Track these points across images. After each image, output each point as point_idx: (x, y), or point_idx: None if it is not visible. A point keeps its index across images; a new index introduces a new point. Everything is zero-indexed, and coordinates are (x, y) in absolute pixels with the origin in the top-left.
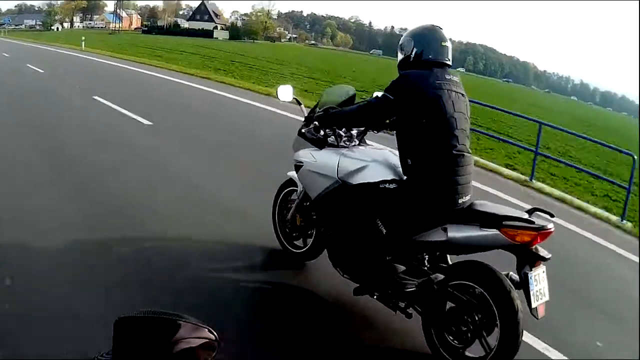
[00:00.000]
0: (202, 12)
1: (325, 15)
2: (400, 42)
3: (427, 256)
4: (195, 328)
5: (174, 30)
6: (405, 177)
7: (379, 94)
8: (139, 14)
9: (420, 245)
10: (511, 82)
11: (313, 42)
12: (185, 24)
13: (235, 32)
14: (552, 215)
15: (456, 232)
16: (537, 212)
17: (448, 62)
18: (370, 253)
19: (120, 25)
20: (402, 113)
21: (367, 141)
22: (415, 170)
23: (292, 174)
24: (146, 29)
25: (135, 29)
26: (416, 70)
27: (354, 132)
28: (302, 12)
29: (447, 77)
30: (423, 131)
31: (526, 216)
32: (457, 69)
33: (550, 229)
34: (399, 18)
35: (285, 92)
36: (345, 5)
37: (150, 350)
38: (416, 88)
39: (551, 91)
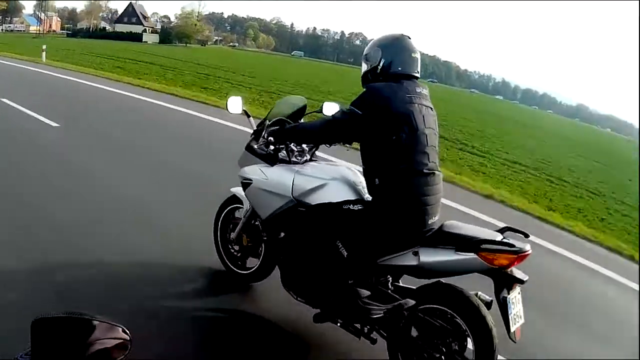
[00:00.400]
0: (129, 14)
1: (246, 17)
2: (365, 52)
3: (390, 279)
4: (110, 328)
5: (100, 33)
6: (369, 197)
7: (343, 107)
8: (58, 16)
9: (386, 270)
10: (476, 92)
11: (235, 44)
12: (110, 27)
13: (166, 36)
14: (526, 235)
15: (429, 256)
16: (510, 232)
17: (417, 75)
18: (330, 277)
19: (41, 28)
20: (370, 129)
21: (317, 153)
22: (384, 190)
23: (236, 190)
24: (70, 32)
25: (53, 31)
26: (385, 83)
27: (305, 146)
28: (222, 13)
29: (418, 90)
30: (393, 148)
31: (500, 237)
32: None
33: (528, 251)
34: (320, 19)
35: (235, 104)
36: (266, 6)
37: (68, 350)
38: (386, 103)
39: (476, 91)
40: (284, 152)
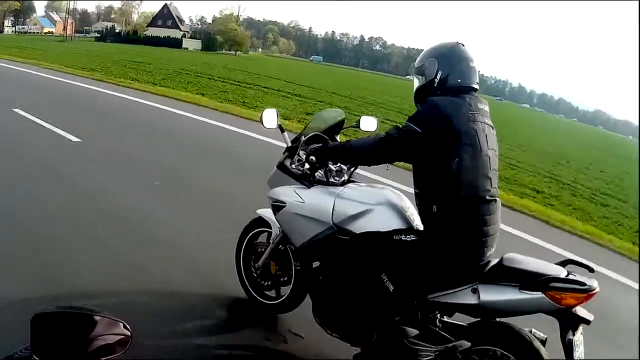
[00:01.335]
0: (165, 17)
1: (263, 20)
2: (417, 65)
3: (439, 315)
4: (111, 323)
5: (134, 38)
6: (418, 225)
7: (399, 125)
8: (71, 17)
9: (437, 306)
10: (502, 99)
11: (259, 48)
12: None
13: (210, 42)
14: (591, 270)
15: (491, 295)
16: (573, 265)
17: (477, 87)
18: (374, 313)
19: (55, 30)
20: (428, 149)
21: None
22: (442, 219)
23: (263, 212)
24: (99, 35)
25: (76, 33)
26: (446, 98)
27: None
28: (239, 16)
29: (480, 106)
30: (453, 172)
31: (565, 273)
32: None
33: (596, 289)
34: (339, 23)
35: (270, 118)
36: (283, 8)
37: (68, 346)
38: (448, 120)
39: (503, 99)
40: (321, 171)
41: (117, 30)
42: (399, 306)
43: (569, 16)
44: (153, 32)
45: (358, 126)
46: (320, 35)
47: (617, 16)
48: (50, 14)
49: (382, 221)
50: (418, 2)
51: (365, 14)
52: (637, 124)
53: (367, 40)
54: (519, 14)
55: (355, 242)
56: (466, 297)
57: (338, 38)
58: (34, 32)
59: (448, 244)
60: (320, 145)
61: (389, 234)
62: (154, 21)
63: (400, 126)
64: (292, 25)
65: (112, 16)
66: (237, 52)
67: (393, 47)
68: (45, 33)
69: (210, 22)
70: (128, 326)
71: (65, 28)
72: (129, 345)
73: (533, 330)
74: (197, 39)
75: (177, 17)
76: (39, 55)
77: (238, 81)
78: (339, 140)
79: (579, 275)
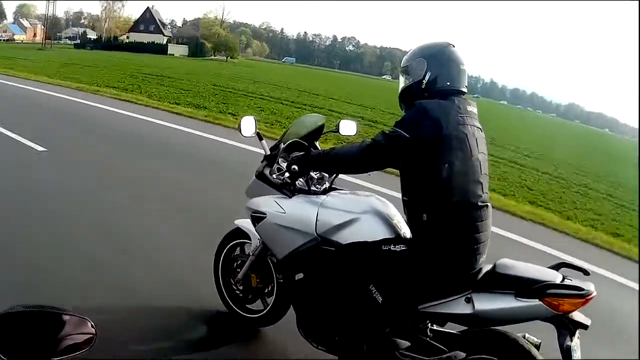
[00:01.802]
0: (147, 21)
1: (234, 22)
2: (404, 64)
3: (429, 325)
4: (80, 321)
5: (115, 44)
6: (406, 233)
7: (385, 130)
8: (43, 24)
9: (429, 316)
10: (479, 97)
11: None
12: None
13: (198, 48)
14: (586, 273)
15: (486, 304)
16: (566, 267)
17: (465, 90)
18: (362, 325)
19: (25, 37)
20: (417, 155)
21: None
22: (433, 227)
23: (241, 223)
24: (78, 42)
25: (53, 40)
26: (435, 101)
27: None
28: (223, 20)
29: (469, 108)
30: (444, 178)
31: (561, 278)
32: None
33: (593, 293)
34: (311, 24)
35: (248, 125)
36: (254, 9)
37: (36, 345)
38: (437, 124)
39: (480, 96)
40: (302, 179)
41: (89, 37)
42: (389, 317)
43: (537, 11)
44: (134, 37)
45: (337, 130)
46: (293, 36)
47: (593, 11)
48: (21, 20)
49: (369, 231)
50: (390, 2)
51: (338, 14)
52: (638, 124)
53: (339, 40)
54: (493, 10)
55: (341, 253)
56: (460, 306)
57: (310, 39)
58: (4, 40)
59: (439, 253)
60: (302, 153)
61: (377, 244)
62: (135, 26)
63: (387, 132)
64: (264, 27)
65: (82, 21)
66: (229, 58)
67: (366, 46)
68: (17, 41)
69: (180, 25)
70: (93, 324)
71: (35, 35)
72: (94, 343)
73: (527, 335)
74: (182, 44)
75: (160, 21)
76: (32, 68)
77: (264, 95)
78: (318, 145)
79: (574, 280)
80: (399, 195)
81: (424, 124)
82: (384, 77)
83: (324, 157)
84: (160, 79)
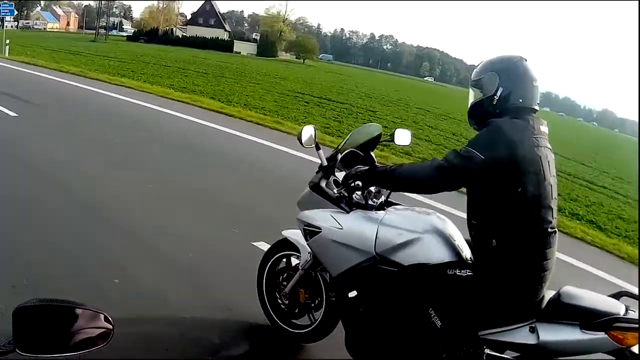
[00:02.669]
0: (207, 14)
1: (253, 14)
2: (475, 77)
3: (486, 350)
4: (93, 315)
5: (174, 38)
6: (467, 255)
7: (457, 149)
8: (76, 12)
9: (491, 344)
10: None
11: None
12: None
13: (267, 47)
14: None
15: (550, 335)
16: (626, 297)
17: (537, 108)
18: (418, 349)
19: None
20: (490, 178)
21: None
22: (503, 253)
23: (290, 235)
24: (131, 35)
25: (52, 31)
26: (509, 120)
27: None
28: (242, 12)
29: (542, 128)
30: (516, 203)
31: (624, 309)
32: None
33: None
34: (348, 20)
35: (309, 135)
36: (289, 4)
37: (51, 339)
38: (513, 146)
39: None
40: (358, 192)
41: (124, 27)
42: (447, 342)
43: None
44: (192, 31)
45: (392, 140)
46: (329, 32)
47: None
48: (54, 7)
49: (432, 252)
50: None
51: (375, 11)
52: (638, 122)
53: (377, 38)
54: (525, 12)
55: (402, 274)
56: (523, 336)
57: (347, 36)
58: (40, 29)
59: (507, 280)
60: (365, 168)
61: (441, 267)
62: (194, 19)
63: (460, 151)
64: (300, 21)
65: (114, 10)
66: (306, 60)
67: (404, 45)
68: (52, 29)
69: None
70: (110, 318)
71: (69, 23)
72: (111, 338)
73: None
74: (246, 40)
75: (221, 14)
76: (124, 71)
77: (381, 115)
78: (373, 155)
79: (638, 312)
80: (452, 209)
81: (499, 145)
82: (425, 79)
83: (390, 175)
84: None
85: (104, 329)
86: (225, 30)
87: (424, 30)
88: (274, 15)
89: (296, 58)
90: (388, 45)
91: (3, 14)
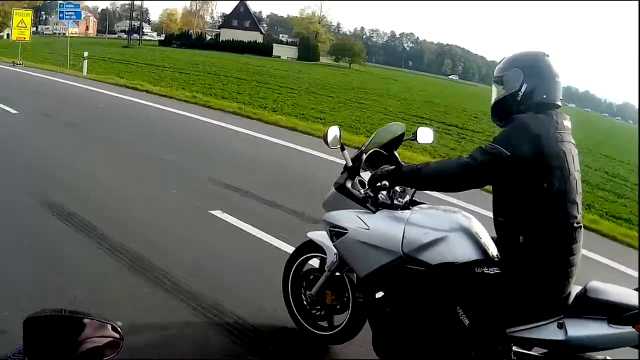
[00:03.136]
0: (241, 16)
1: (288, 16)
2: (498, 74)
3: (514, 347)
4: (101, 325)
5: (211, 42)
6: (494, 253)
7: (482, 146)
8: (94, 16)
9: (517, 340)
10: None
11: None
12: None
13: (309, 50)
14: None
15: (578, 330)
16: None
17: (560, 104)
18: (447, 348)
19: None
20: (515, 174)
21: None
22: (531, 250)
23: (315, 236)
24: (162, 40)
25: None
26: (534, 116)
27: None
28: (260, 12)
29: (565, 123)
30: (543, 199)
31: None
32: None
33: None
34: (368, 18)
35: (334, 136)
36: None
37: (60, 349)
38: (538, 141)
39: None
40: (383, 192)
41: (145, 31)
42: (475, 341)
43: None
44: (226, 34)
45: (415, 139)
46: (350, 31)
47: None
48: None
49: (459, 251)
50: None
51: (395, 9)
52: (638, 118)
53: (397, 36)
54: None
55: (430, 273)
56: (552, 332)
57: (367, 34)
58: (59, 34)
59: (535, 277)
60: (392, 167)
61: (469, 265)
62: (227, 21)
63: (485, 148)
64: (320, 22)
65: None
66: (352, 64)
67: (425, 43)
68: (71, 34)
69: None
70: (119, 329)
71: (88, 28)
72: (121, 348)
73: (608, 358)
74: (285, 43)
75: (256, 16)
76: (206, 87)
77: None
78: (397, 154)
79: None
80: (474, 207)
81: (525, 141)
82: (450, 77)
83: (417, 174)
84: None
85: (113, 339)
86: (261, 32)
87: (445, 27)
88: (309, 17)
89: (334, 61)
90: (409, 43)
91: (67, 16)
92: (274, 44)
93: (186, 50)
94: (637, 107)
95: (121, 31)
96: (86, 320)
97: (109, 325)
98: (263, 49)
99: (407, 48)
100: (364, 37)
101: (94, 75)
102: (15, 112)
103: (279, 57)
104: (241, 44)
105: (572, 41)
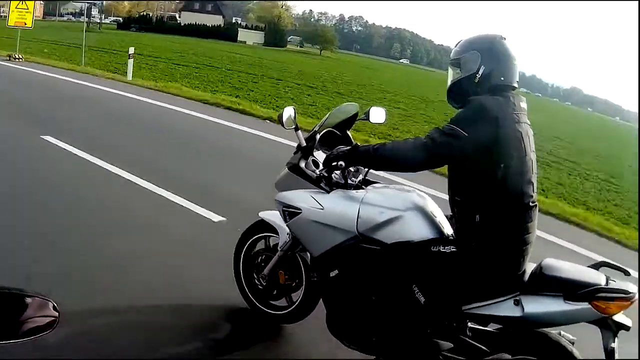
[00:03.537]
0: (203, 0)
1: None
2: (455, 56)
3: (469, 324)
4: (41, 303)
5: (170, 26)
6: (448, 232)
7: (440, 127)
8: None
9: (472, 317)
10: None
11: None
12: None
13: (277, 36)
14: (627, 273)
15: (535, 307)
16: (606, 267)
17: (517, 86)
18: (402, 326)
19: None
20: (473, 154)
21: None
22: (486, 228)
23: (267, 216)
24: (121, 23)
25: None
26: (492, 98)
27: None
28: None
29: (522, 105)
30: (501, 178)
31: (605, 279)
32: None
33: (636, 295)
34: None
35: (288, 115)
36: None
37: (1, 325)
38: (495, 122)
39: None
40: (337, 172)
41: (93, 14)
42: (431, 318)
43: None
44: (187, 18)
45: (367, 118)
46: (298, 14)
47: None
48: None
49: (414, 230)
50: None
51: None
52: (638, 115)
53: (347, 19)
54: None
55: (386, 252)
56: (508, 309)
57: (316, 17)
58: (3, 16)
59: (490, 255)
60: (347, 148)
61: (425, 244)
62: (189, 4)
63: (443, 129)
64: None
65: None
66: (323, 50)
67: (374, 27)
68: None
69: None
70: (57, 306)
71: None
72: (56, 325)
73: (562, 332)
74: (249, 28)
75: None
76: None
77: None
78: (350, 134)
79: (618, 282)
80: (423, 187)
81: (482, 122)
82: (401, 61)
83: (374, 154)
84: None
85: (52, 317)
86: (223, 16)
87: (394, 11)
88: (272, 2)
89: (299, 47)
90: (358, 26)
91: None
92: (239, 29)
93: (150, 35)
94: (584, 91)
95: (68, 13)
96: (28, 299)
97: (49, 303)
98: (227, 34)
99: (356, 31)
100: (312, 20)
101: (150, 83)
102: None
103: (244, 42)
104: (205, 28)
105: (519, 25)
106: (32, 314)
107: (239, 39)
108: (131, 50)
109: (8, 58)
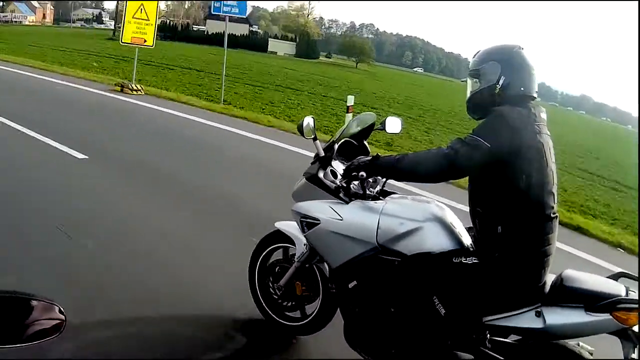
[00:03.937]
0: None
1: (273, 11)
2: (475, 67)
3: (489, 335)
4: (47, 307)
5: (195, 35)
6: (468, 244)
7: (462, 137)
8: (51, 4)
9: (495, 330)
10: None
11: None
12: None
13: (308, 47)
14: None
15: (557, 318)
16: (624, 277)
17: (536, 96)
18: (422, 338)
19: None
20: (495, 165)
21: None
22: (508, 240)
23: (283, 226)
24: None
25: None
26: (513, 109)
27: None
28: (309, 12)
29: (542, 116)
30: (521, 190)
31: (625, 290)
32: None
33: None
34: (327, 8)
35: (309, 127)
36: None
37: (6, 330)
38: (517, 134)
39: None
40: (355, 182)
41: (104, 20)
42: (451, 330)
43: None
44: (213, 27)
45: (384, 128)
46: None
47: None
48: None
49: (434, 241)
50: None
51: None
52: (638, 115)
53: (357, 27)
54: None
55: (406, 264)
56: (529, 320)
57: (327, 25)
58: (17, 22)
59: (512, 266)
60: (368, 158)
61: (446, 255)
62: (213, 14)
63: (465, 139)
64: (278, 11)
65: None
66: (360, 63)
67: (385, 34)
68: (28, 23)
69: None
70: (63, 310)
71: (45, 16)
72: (63, 329)
73: (580, 343)
74: (280, 38)
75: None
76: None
77: None
78: (366, 144)
79: (637, 292)
80: (441, 198)
81: (504, 133)
82: (415, 69)
83: (395, 165)
84: None
85: (58, 320)
86: (250, 25)
87: (405, 18)
88: (295, 9)
89: (326, 57)
90: (369, 34)
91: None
92: (269, 39)
93: (179, 44)
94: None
95: (79, 20)
96: (34, 302)
97: (55, 307)
98: (257, 44)
99: (368, 39)
100: (323, 27)
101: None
102: None
103: (275, 52)
104: (234, 38)
105: (527, 33)
106: (37, 318)
107: (269, 49)
108: (350, 100)
109: (120, 89)
